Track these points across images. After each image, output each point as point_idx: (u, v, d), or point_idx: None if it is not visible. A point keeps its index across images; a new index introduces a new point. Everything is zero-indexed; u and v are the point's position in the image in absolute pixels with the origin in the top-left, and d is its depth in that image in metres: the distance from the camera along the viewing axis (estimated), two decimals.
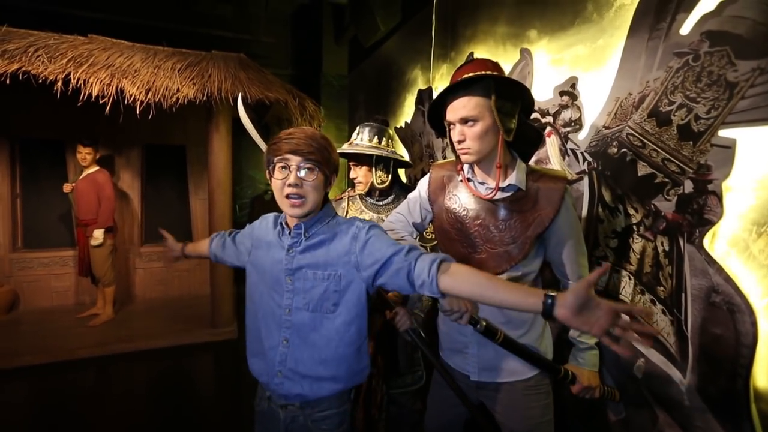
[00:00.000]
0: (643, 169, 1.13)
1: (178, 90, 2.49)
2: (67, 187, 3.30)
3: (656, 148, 1.09)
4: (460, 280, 0.81)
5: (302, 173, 0.91)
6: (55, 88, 2.30)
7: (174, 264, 1.53)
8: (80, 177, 3.23)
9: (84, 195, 3.15)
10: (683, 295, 1.03)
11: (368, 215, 1.58)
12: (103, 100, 2.35)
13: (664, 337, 1.08)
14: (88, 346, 2.91)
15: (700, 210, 0.99)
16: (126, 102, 2.41)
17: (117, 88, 2.37)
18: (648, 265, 1.13)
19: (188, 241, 1.44)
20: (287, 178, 0.91)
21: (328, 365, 0.97)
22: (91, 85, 2.31)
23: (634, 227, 1.16)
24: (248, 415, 2.26)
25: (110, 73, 2.40)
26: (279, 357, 0.99)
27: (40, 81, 2.29)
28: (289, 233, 1.00)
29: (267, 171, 0.98)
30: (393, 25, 3.01)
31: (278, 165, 0.92)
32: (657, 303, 1.10)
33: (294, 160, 0.91)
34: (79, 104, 2.32)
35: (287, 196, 0.92)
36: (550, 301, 0.71)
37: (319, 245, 0.97)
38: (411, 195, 1.30)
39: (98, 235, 3.10)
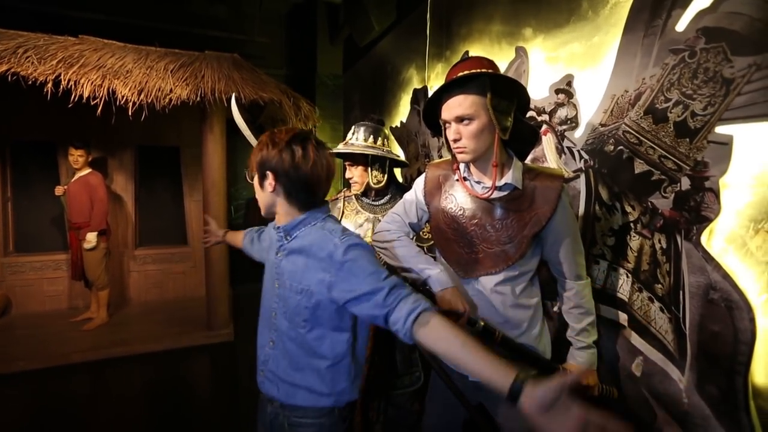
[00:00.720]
0: (639, 167, 1.13)
1: (171, 91, 2.47)
2: (59, 190, 3.25)
3: (653, 145, 1.09)
4: (435, 338, 0.76)
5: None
6: (45, 90, 2.26)
7: (212, 246, 1.62)
8: (72, 179, 3.18)
9: (76, 198, 3.11)
10: (681, 292, 1.03)
11: (364, 215, 1.57)
12: (95, 102, 2.32)
13: (662, 335, 1.08)
14: (83, 350, 2.87)
15: (697, 207, 0.99)
16: (118, 103, 2.38)
17: (108, 89, 2.34)
18: (645, 263, 1.12)
19: (228, 230, 1.56)
20: None
21: (303, 374, 0.94)
22: (82, 87, 2.28)
23: (632, 225, 1.16)
24: (245, 418, 2.25)
25: (101, 74, 2.37)
26: (263, 357, 1.00)
27: (30, 82, 2.25)
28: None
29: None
30: (387, 25, 3.00)
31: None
32: (655, 300, 1.10)
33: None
34: (70, 106, 2.28)
35: None
36: (518, 386, 0.63)
37: (299, 253, 0.94)
38: (407, 195, 1.28)
39: (91, 238, 3.07)
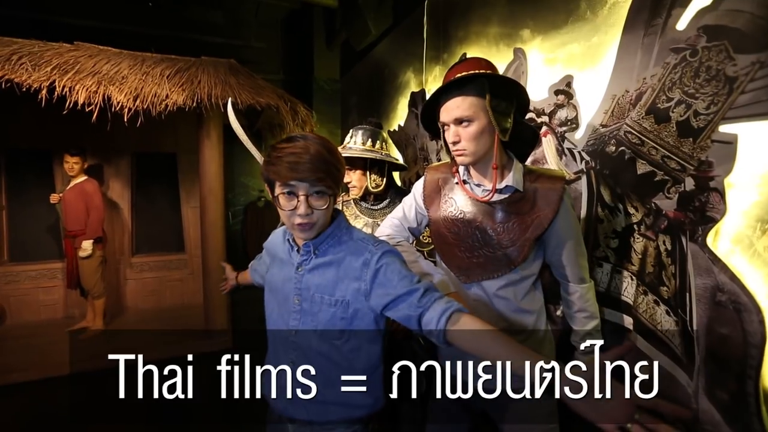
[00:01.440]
0: (642, 167, 1.11)
1: (167, 96, 2.45)
2: (54, 198, 3.22)
3: (655, 145, 1.07)
4: (468, 335, 0.78)
5: (312, 201, 0.82)
6: (39, 97, 2.24)
7: (228, 291, 1.52)
8: (68, 187, 3.16)
9: (72, 205, 3.08)
10: (687, 294, 1.01)
11: (363, 220, 1.55)
12: (90, 108, 2.30)
13: (669, 339, 1.06)
14: (79, 360, 2.83)
15: (702, 207, 0.97)
16: (113, 109, 2.36)
17: (104, 95, 2.32)
18: (650, 265, 1.10)
19: (239, 272, 1.44)
20: (296, 208, 0.82)
21: (335, 389, 0.89)
22: (77, 93, 2.26)
23: (635, 226, 1.14)
24: (246, 427, 2.21)
25: (97, 81, 2.35)
26: (281, 381, 0.93)
27: (24, 89, 2.23)
28: (298, 251, 0.93)
29: (267, 188, 0.89)
30: (384, 28, 3.00)
31: (282, 192, 0.82)
32: (660, 303, 1.08)
33: (301, 187, 0.81)
34: (65, 112, 2.26)
35: (297, 225, 0.84)
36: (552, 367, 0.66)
37: (328, 265, 0.89)
38: (406, 199, 1.26)
39: (87, 246, 3.03)
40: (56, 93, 2.25)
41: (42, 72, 2.26)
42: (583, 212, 1.30)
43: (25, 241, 3.65)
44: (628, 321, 1.17)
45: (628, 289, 1.17)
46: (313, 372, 0.89)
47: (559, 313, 1.40)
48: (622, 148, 1.17)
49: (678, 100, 1.01)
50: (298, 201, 0.81)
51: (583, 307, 1.10)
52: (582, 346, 1.11)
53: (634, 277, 1.15)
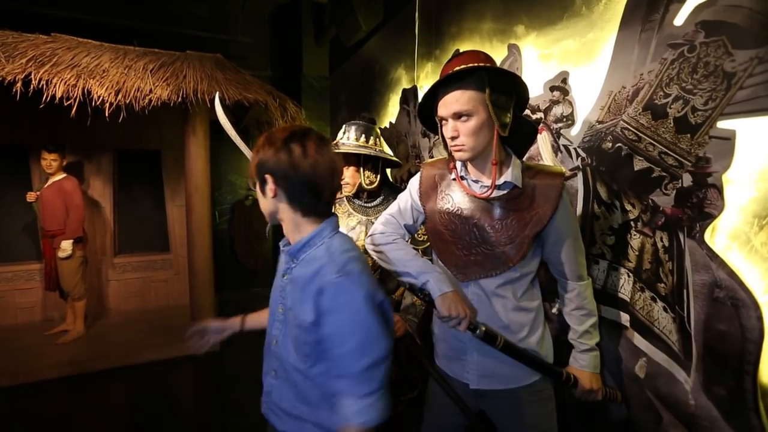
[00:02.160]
0: (639, 164, 1.11)
1: (150, 91, 2.37)
2: (31, 196, 3.09)
3: (652, 141, 1.07)
4: None
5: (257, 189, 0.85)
6: (14, 90, 2.13)
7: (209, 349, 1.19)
8: (45, 185, 3.03)
9: (50, 204, 2.96)
10: (685, 291, 1.01)
11: (356, 218, 1.51)
12: (69, 102, 2.20)
13: (666, 335, 1.06)
14: (58, 365, 2.72)
15: (700, 204, 0.97)
16: (94, 104, 2.26)
17: (83, 89, 2.22)
18: (647, 262, 1.10)
19: (246, 314, 1.14)
20: None
21: (310, 406, 0.84)
22: (55, 86, 2.16)
23: (632, 223, 1.14)
24: (233, 429, 2.15)
25: (76, 74, 2.25)
26: (266, 387, 0.91)
27: None
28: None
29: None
30: (375, 24, 2.96)
31: None
32: (658, 300, 1.08)
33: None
34: (42, 106, 2.16)
35: None
36: None
37: (298, 280, 0.83)
38: (401, 195, 1.24)
39: (66, 246, 2.92)
40: (32, 86, 2.15)
41: (17, 64, 2.15)
42: (580, 209, 1.29)
43: (1, 242, 3.50)
44: (624, 318, 1.17)
45: (625, 286, 1.17)
46: (291, 384, 0.85)
47: (554, 310, 1.40)
48: (619, 144, 1.16)
49: (676, 96, 1.01)
50: None
51: (581, 305, 1.09)
52: (580, 345, 1.10)
53: (630, 274, 1.15)
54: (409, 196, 1.21)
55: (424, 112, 1.10)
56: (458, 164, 1.10)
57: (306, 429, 0.85)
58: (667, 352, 1.06)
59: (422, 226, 1.25)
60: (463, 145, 0.99)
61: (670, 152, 1.03)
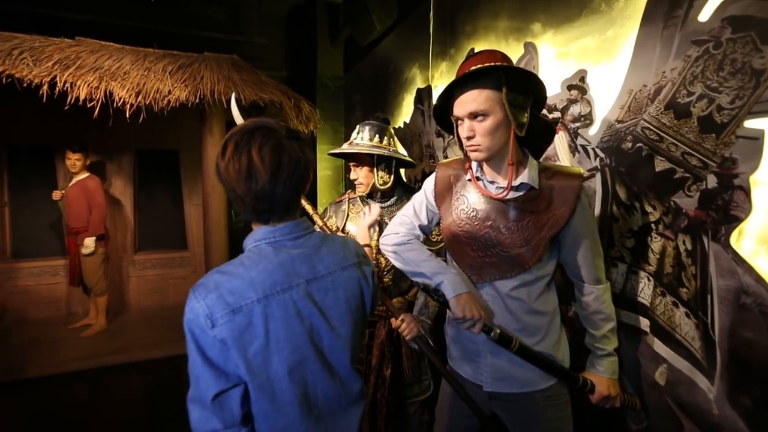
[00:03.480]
0: (661, 164, 1.07)
1: (169, 92, 2.42)
2: (56, 195, 3.21)
3: (675, 141, 1.03)
4: None
5: None
6: (40, 92, 2.21)
7: None
8: (70, 184, 3.14)
9: (74, 202, 3.06)
10: (709, 296, 0.97)
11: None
12: (91, 104, 2.27)
13: (689, 342, 1.02)
14: (81, 358, 2.82)
15: (725, 206, 0.93)
16: (115, 105, 2.33)
17: (105, 91, 2.29)
18: (669, 266, 1.07)
19: None
20: None
21: None
22: (78, 89, 2.23)
23: (653, 226, 1.10)
24: None
25: (98, 76, 2.32)
26: None
27: (25, 85, 2.20)
28: None
29: None
30: (389, 24, 2.95)
31: None
32: (680, 305, 1.04)
33: None
34: (66, 108, 2.23)
35: None
36: None
37: None
38: (416, 196, 1.23)
39: (89, 243, 3.01)
40: (57, 89, 2.22)
41: (43, 67, 2.23)
42: (598, 211, 1.26)
43: (28, 238, 3.64)
44: (644, 323, 1.14)
45: (645, 290, 1.13)
46: None
47: (571, 314, 1.37)
48: (639, 144, 1.13)
49: (700, 94, 0.97)
50: None
51: (599, 309, 1.07)
52: (597, 350, 1.08)
53: (651, 278, 1.12)
54: (423, 197, 1.21)
55: (439, 112, 1.10)
56: (474, 165, 1.09)
57: None
58: (690, 359, 1.02)
59: (437, 227, 1.24)
60: (479, 145, 0.98)
61: (693, 152, 0.99)
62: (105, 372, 2.77)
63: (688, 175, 1.01)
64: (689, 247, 1.02)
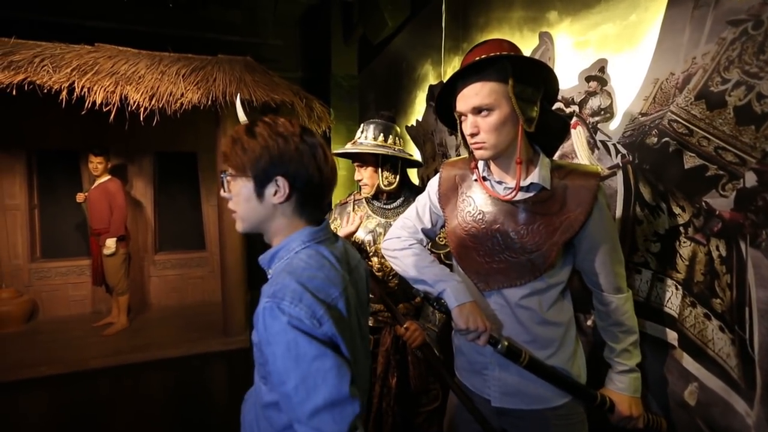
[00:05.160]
0: (690, 161, 0.97)
1: (182, 95, 2.44)
2: (80, 197, 3.32)
3: (707, 135, 0.93)
4: None
5: (228, 185, 0.72)
6: (60, 98, 2.27)
7: None
8: (92, 186, 3.24)
9: (96, 204, 3.16)
10: (747, 309, 0.86)
11: (375, 220, 1.46)
12: (107, 108, 2.32)
13: (723, 359, 0.92)
14: (103, 355, 2.90)
15: (766, 207, 0.82)
16: (130, 109, 2.37)
17: (121, 95, 2.33)
18: (700, 273, 0.96)
19: None
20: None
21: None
22: (95, 93, 2.28)
23: (681, 229, 1.00)
24: None
25: (114, 81, 2.37)
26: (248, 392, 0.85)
27: (46, 91, 2.27)
28: None
29: None
30: (402, 20, 2.89)
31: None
32: (712, 318, 0.94)
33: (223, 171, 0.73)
34: (83, 113, 2.29)
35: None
36: None
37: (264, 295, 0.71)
38: (419, 198, 1.17)
39: (110, 244, 3.10)
40: (75, 94, 2.28)
41: (62, 73, 2.29)
42: (619, 212, 1.16)
43: (56, 239, 3.79)
44: (672, 336, 1.03)
45: (672, 299, 1.03)
46: (251, 407, 0.78)
47: (589, 323, 1.27)
48: (666, 139, 1.02)
49: (736, 81, 0.86)
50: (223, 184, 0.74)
51: (619, 320, 0.97)
52: (617, 365, 0.98)
53: (679, 287, 1.01)
54: (427, 199, 1.14)
55: (442, 107, 1.03)
56: (480, 164, 1.01)
57: None
58: (724, 378, 0.92)
59: (442, 231, 1.17)
60: (483, 142, 0.90)
61: (728, 147, 0.89)
62: (126, 369, 2.84)
63: (722, 172, 0.90)
64: (724, 253, 0.91)
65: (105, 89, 2.29)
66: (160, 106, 2.38)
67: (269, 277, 0.74)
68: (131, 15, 3.69)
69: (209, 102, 2.52)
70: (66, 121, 3.23)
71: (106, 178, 3.22)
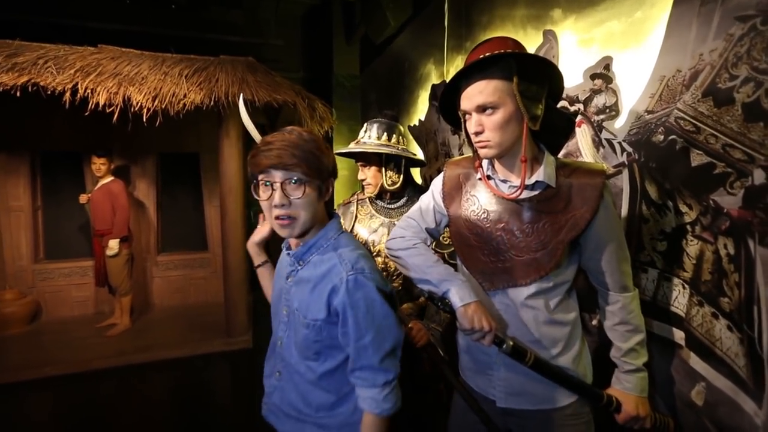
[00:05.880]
0: (698, 159, 0.96)
1: (184, 96, 2.44)
2: (83, 198, 3.32)
3: (714, 132, 0.92)
4: None
5: (289, 190, 0.79)
6: (63, 99, 2.28)
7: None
8: (95, 188, 3.24)
9: (99, 205, 3.16)
10: (755, 307, 0.85)
11: (379, 220, 1.46)
12: (111, 109, 2.32)
13: (731, 358, 0.91)
14: (106, 356, 2.90)
15: None
16: (133, 110, 2.37)
17: (124, 96, 2.33)
18: (707, 272, 0.95)
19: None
20: (272, 197, 0.78)
21: (311, 408, 0.86)
22: (98, 94, 2.28)
23: (688, 227, 0.99)
24: (263, 427, 2.18)
25: (117, 82, 2.38)
26: (268, 389, 0.92)
27: (49, 92, 2.28)
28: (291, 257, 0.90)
29: (252, 188, 0.85)
30: (404, 20, 2.88)
31: (261, 182, 0.80)
32: (720, 317, 0.93)
33: (277, 175, 0.78)
34: (87, 114, 2.29)
35: (276, 218, 0.80)
36: None
37: (307, 282, 0.85)
38: (423, 197, 1.16)
39: (113, 245, 3.10)
40: (79, 95, 2.28)
41: (65, 75, 2.30)
42: (625, 211, 1.15)
43: (60, 240, 3.80)
44: (678, 335, 1.02)
45: (679, 298, 1.02)
46: (295, 387, 0.87)
47: (594, 322, 1.26)
48: (673, 136, 1.01)
49: (745, 77, 0.85)
50: (273, 189, 0.78)
51: (626, 320, 0.96)
52: (624, 365, 0.98)
53: (686, 286, 1.00)
54: (431, 198, 1.14)
55: (446, 106, 1.02)
56: (484, 162, 1.01)
57: (306, 430, 0.87)
58: (732, 377, 0.91)
59: (446, 230, 1.17)
60: (488, 141, 0.89)
61: (737, 144, 0.88)
62: (129, 370, 2.84)
63: (730, 170, 0.89)
64: (731, 251, 0.90)
65: (108, 90, 2.29)
66: (163, 107, 2.38)
67: (302, 263, 0.86)
68: (133, 16, 3.71)
69: (212, 102, 2.52)
70: (69, 123, 3.24)
71: (109, 179, 3.23)
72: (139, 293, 3.80)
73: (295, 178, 0.78)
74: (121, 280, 3.23)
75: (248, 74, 2.81)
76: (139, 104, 2.34)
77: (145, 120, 2.37)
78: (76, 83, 2.29)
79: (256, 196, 0.83)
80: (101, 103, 2.29)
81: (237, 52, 3.11)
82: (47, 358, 2.84)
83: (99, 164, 3.15)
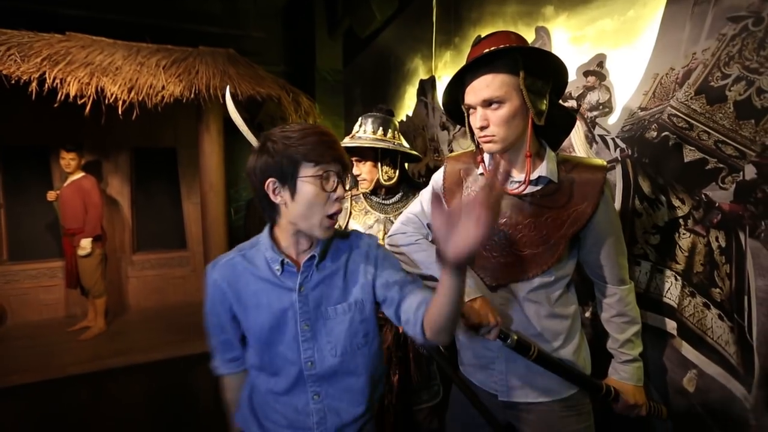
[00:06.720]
0: (690, 155, 0.99)
1: (163, 88, 2.34)
2: (51, 195, 3.13)
3: (707, 129, 0.95)
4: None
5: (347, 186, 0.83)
6: (29, 90, 2.13)
7: None
8: (65, 184, 3.06)
9: (69, 203, 2.99)
10: (745, 297, 0.89)
11: (374, 216, 1.44)
12: (83, 101, 2.19)
13: (722, 346, 0.95)
14: (80, 361, 2.76)
15: (765, 199, 0.85)
16: (107, 102, 2.25)
17: (97, 87, 2.20)
18: (699, 264, 0.99)
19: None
20: (336, 190, 0.78)
21: (366, 400, 0.86)
22: (69, 85, 2.15)
23: (681, 221, 1.02)
24: None
25: (89, 72, 2.24)
26: (315, 417, 0.82)
27: (13, 82, 2.12)
28: (297, 269, 0.81)
29: (272, 179, 0.75)
30: (390, 13, 2.85)
31: (318, 173, 0.75)
32: (711, 307, 0.97)
33: (338, 168, 0.78)
34: (56, 105, 2.15)
35: (331, 215, 0.78)
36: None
37: (334, 273, 0.85)
38: (423, 192, 1.15)
39: (85, 244, 2.95)
40: (46, 85, 2.14)
41: (31, 63, 2.15)
42: (618, 205, 1.18)
43: (24, 240, 3.58)
44: (671, 325, 1.06)
45: (672, 290, 1.06)
46: (343, 395, 0.85)
47: (588, 314, 1.29)
48: (666, 133, 1.04)
49: (737, 76, 0.89)
50: (337, 183, 0.78)
51: (623, 311, 0.99)
52: (621, 355, 1.00)
53: (678, 277, 1.04)
54: (432, 193, 1.13)
55: (448, 101, 1.01)
56: (486, 157, 1.01)
57: (360, 423, 0.87)
58: (723, 364, 0.95)
59: None
60: (493, 135, 0.89)
61: (728, 141, 0.91)
62: (105, 375, 2.72)
63: (722, 165, 0.93)
64: (723, 243, 0.94)
65: (80, 81, 2.16)
66: (140, 99, 2.27)
67: (309, 273, 0.84)
68: (103, 3, 3.50)
69: (192, 95, 2.42)
70: (35, 115, 3.04)
71: (79, 175, 3.06)
72: (114, 294, 3.63)
73: (343, 175, 0.82)
74: (94, 281, 3.08)
75: (229, 66, 2.72)
76: (113, 96, 2.21)
77: (120, 113, 2.25)
78: (44, 72, 2.14)
79: (323, 189, 0.76)
80: (72, 94, 2.15)
81: (215, 44, 3.00)
82: (15, 365, 2.67)
83: (68, 159, 2.97)
